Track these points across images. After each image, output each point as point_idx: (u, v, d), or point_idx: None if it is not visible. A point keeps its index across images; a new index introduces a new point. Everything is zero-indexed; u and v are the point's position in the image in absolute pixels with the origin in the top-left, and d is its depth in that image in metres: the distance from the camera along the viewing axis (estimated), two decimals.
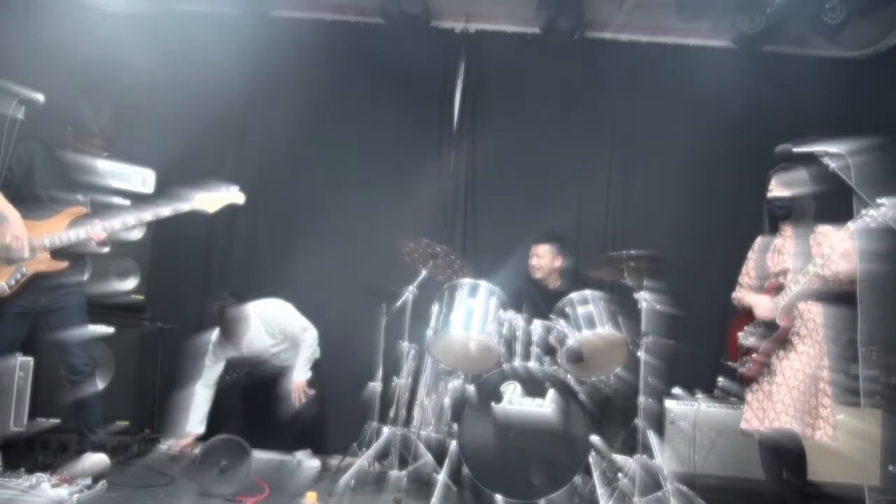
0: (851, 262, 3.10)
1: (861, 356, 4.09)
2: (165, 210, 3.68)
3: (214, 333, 4.48)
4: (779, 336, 3.26)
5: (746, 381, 3.38)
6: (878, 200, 2.92)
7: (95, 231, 3.55)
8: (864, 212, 2.96)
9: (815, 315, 3.27)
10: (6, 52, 4.16)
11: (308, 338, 4.51)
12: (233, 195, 3.88)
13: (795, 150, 3.07)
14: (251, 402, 4.64)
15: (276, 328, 4.51)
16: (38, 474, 3.18)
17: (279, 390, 4.48)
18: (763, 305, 3.35)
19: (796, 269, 3.26)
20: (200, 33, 5.04)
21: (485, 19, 5.38)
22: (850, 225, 3.02)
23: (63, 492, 3.11)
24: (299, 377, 4.44)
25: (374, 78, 5.31)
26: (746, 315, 3.47)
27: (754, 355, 3.33)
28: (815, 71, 5.20)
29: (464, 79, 5.34)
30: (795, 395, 3.17)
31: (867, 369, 4.23)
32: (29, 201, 3.52)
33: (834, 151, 2.93)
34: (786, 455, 3.25)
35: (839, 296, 3.25)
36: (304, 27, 5.28)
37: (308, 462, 4.55)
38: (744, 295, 3.53)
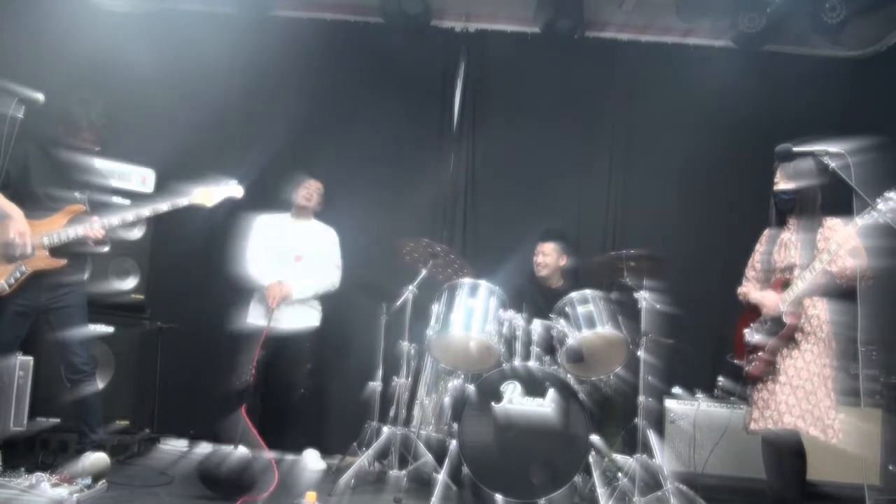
0: (861, 259, 3.06)
1: (861, 355, 4.09)
2: (164, 205, 3.68)
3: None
4: (785, 333, 3.21)
5: (753, 380, 3.33)
6: (887, 193, 2.88)
7: (94, 228, 3.55)
8: (872, 206, 2.91)
9: (819, 311, 3.22)
10: (6, 52, 4.16)
11: (333, 274, 4.58)
12: (231, 188, 3.88)
13: (795, 149, 3.07)
14: (263, 403, 4.62)
15: (322, 242, 4.59)
16: (38, 474, 3.18)
17: (287, 390, 4.48)
18: (770, 302, 3.30)
19: (803, 263, 3.21)
20: (200, 32, 5.05)
21: (485, 19, 5.38)
22: (858, 220, 2.97)
23: (63, 491, 3.11)
24: (294, 286, 4.35)
25: (374, 78, 5.30)
26: (753, 312, 3.42)
27: (760, 353, 3.28)
28: (815, 71, 5.20)
29: (464, 79, 5.34)
30: (800, 395, 3.12)
31: (867, 369, 4.23)
32: (26, 201, 3.52)
33: (834, 151, 2.92)
34: (786, 455, 3.22)
35: (845, 292, 3.19)
36: (304, 26, 5.27)
37: (313, 464, 4.51)
38: (749, 290, 3.48)
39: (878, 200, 2.89)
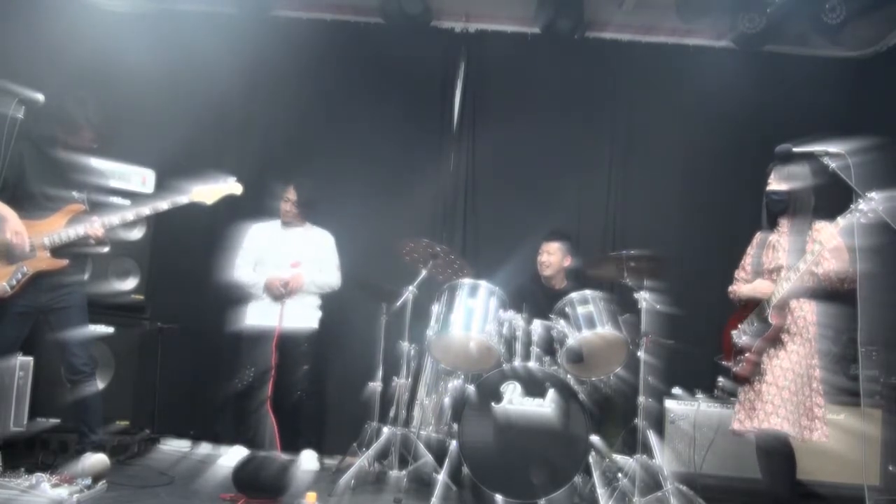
0: (842, 259, 3.09)
1: (861, 356, 4.09)
2: (163, 204, 3.67)
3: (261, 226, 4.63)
4: (770, 334, 3.24)
5: (740, 381, 3.37)
6: (868, 194, 2.88)
7: (94, 227, 3.54)
8: (853, 206, 2.92)
9: (806, 313, 3.24)
10: (6, 52, 4.15)
11: (334, 275, 4.64)
12: (230, 186, 3.88)
13: (795, 149, 3.08)
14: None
15: (319, 247, 4.63)
16: (38, 474, 3.17)
17: (284, 391, 4.47)
18: (762, 288, 3.32)
19: (790, 265, 3.23)
20: (200, 33, 5.04)
21: (485, 19, 5.38)
22: (840, 220, 2.99)
23: (63, 492, 3.11)
24: (304, 275, 4.43)
25: (374, 78, 5.31)
26: (741, 313, 3.45)
27: (747, 354, 3.31)
28: (816, 71, 5.20)
29: (464, 79, 5.34)
30: (786, 396, 3.15)
31: (867, 369, 4.23)
32: (24, 201, 3.51)
33: (834, 151, 2.92)
34: (774, 455, 3.24)
35: (833, 294, 3.22)
36: (304, 27, 5.27)
37: (307, 465, 4.51)
38: (739, 287, 3.51)
39: (860, 201, 2.90)
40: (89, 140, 3.73)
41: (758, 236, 3.54)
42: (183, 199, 3.70)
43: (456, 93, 5.34)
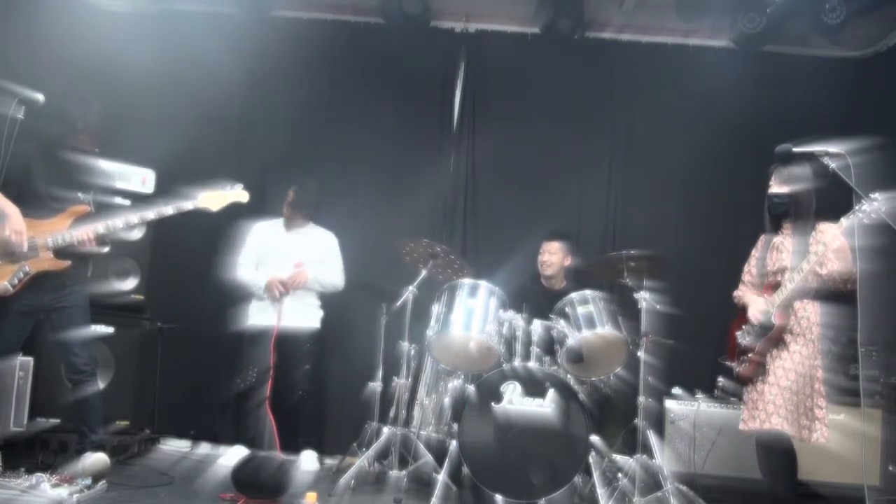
0: (845, 260, 3.09)
1: (861, 356, 4.09)
2: (169, 209, 3.66)
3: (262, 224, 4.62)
4: (773, 335, 3.24)
5: (743, 381, 3.38)
6: (872, 195, 2.89)
7: (96, 229, 3.54)
8: (856, 207, 2.92)
9: (809, 313, 3.24)
10: (6, 52, 4.16)
11: (338, 276, 4.64)
12: (237, 193, 3.86)
13: (795, 149, 3.08)
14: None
15: (323, 248, 4.63)
16: (38, 474, 3.17)
17: (285, 391, 4.47)
18: (756, 307, 3.34)
19: (794, 266, 3.24)
20: (200, 33, 5.04)
21: (485, 19, 5.38)
22: (843, 221, 2.99)
23: (63, 492, 3.11)
24: (307, 272, 4.43)
25: (373, 78, 5.30)
26: (746, 314, 3.45)
27: (750, 355, 3.31)
28: (815, 71, 5.20)
29: (464, 79, 5.33)
30: (787, 396, 3.15)
31: (867, 369, 4.23)
32: (31, 200, 3.51)
33: (834, 151, 2.93)
34: (775, 455, 3.24)
35: (837, 295, 3.22)
36: (304, 27, 5.27)
37: (307, 465, 4.51)
38: (743, 293, 3.52)
39: (863, 202, 2.90)
40: (88, 143, 3.73)
41: (762, 238, 3.54)
42: (188, 205, 3.68)
43: (456, 93, 5.34)
